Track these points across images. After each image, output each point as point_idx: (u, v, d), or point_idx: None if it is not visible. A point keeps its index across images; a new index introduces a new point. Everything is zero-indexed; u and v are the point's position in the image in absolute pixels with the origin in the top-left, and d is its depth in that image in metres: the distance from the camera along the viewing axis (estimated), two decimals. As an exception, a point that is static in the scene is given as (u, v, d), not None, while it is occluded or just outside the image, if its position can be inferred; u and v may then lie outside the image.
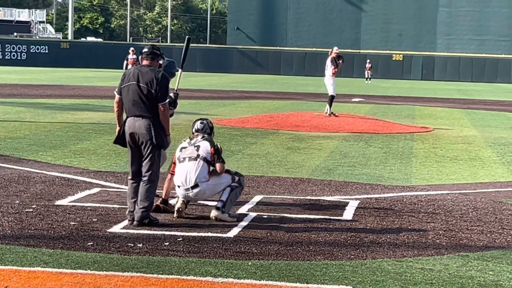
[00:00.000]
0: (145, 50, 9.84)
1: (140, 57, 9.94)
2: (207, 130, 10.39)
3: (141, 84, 9.54)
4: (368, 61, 71.25)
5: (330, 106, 26.69)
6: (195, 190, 9.86)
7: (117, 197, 11.31)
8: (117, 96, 9.80)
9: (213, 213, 9.91)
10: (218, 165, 10.05)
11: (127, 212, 9.75)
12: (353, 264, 8.01)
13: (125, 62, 45.29)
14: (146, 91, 9.50)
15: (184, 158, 10.01)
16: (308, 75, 77.42)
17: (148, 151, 9.55)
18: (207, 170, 10.01)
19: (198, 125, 10.43)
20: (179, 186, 9.95)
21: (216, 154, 10.06)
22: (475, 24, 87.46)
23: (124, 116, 9.82)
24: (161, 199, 10.50)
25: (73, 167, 14.16)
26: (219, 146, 10.20)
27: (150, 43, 10.00)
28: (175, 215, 10.09)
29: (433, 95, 48.72)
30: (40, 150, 16.42)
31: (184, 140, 10.33)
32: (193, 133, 10.39)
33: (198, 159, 9.97)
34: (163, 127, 9.58)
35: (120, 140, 9.82)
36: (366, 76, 69.42)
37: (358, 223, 10.09)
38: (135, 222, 9.45)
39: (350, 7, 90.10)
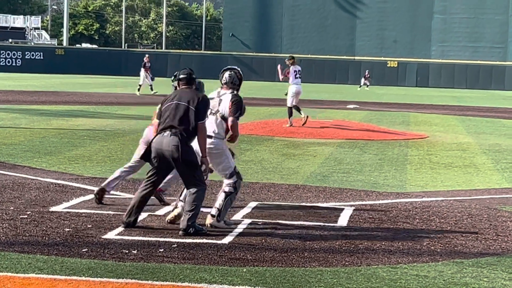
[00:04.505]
0: (183, 76, 9.84)
1: (176, 82, 9.90)
2: (236, 82, 10.21)
3: (181, 103, 9.57)
4: (367, 71, 71.43)
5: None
6: (209, 140, 9.78)
7: (111, 204, 11.30)
8: (156, 121, 9.87)
9: (208, 220, 9.89)
10: (230, 119, 9.90)
11: (124, 216, 9.70)
12: (347, 270, 8.02)
13: (142, 70, 44.12)
14: (185, 108, 9.51)
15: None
16: (303, 82, 77.29)
17: (181, 170, 9.48)
18: (223, 128, 9.97)
19: (226, 77, 10.22)
20: None
21: (233, 107, 9.91)
22: (470, 31, 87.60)
23: None
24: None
25: (67, 174, 14.15)
26: (241, 101, 10.01)
27: (186, 68, 9.80)
28: (167, 218, 10.09)
29: (427, 101, 48.77)
30: (35, 156, 16.40)
31: (216, 90, 10.27)
32: (222, 84, 10.24)
33: (217, 115, 9.98)
34: (191, 147, 9.54)
35: (147, 156, 9.73)
36: (361, 84, 69.14)
37: (353, 230, 10.09)
38: (180, 232, 9.40)
39: (345, 14, 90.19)
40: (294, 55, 27.67)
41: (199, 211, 9.52)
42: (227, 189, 10.00)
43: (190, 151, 9.49)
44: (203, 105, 9.59)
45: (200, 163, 9.60)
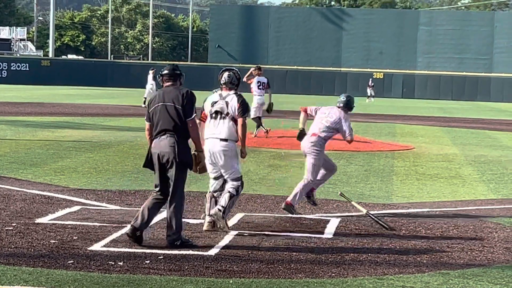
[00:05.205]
0: (166, 72, 9.69)
1: (161, 78, 9.72)
2: (235, 82, 10.50)
3: (167, 103, 9.47)
4: (370, 79, 71.68)
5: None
6: (224, 143, 10.11)
7: (97, 215, 11.27)
8: (147, 124, 9.69)
9: (215, 210, 10.09)
10: (240, 120, 10.24)
11: (132, 223, 9.52)
12: (334, 282, 8.01)
13: (150, 83, 43.73)
14: (172, 109, 9.42)
15: (216, 114, 10.25)
16: (289, 93, 77.52)
17: (174, 172, 9.37)
18: (235, 130, 10.23)
19: (225, 77, 10.47)
20: (207, 138, 10.22)
21: (242, 108, 10.24)
22: (455, 43, 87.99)
23: None
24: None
25: (53, 185, 14.10)
26: (246, 101, 10.36)
27: (170, 63, 9.91)
28: (204, 228, 10.25)
29: (413, 113, 48.89)
30: (21, 168, 16.34)
31: (216, 91, 10.46)
32: (221, 85, 10.46)
33: (227, 118, 10.23)
34: (188, 146, 9.52)
35: (149, 163, 9.62)
36: (368, 95, 68.58)
37: (339, 241, 10.10)
38: (166, 244, 9.40)
39: (331, 25, 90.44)
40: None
41: (181, 222, 9.50)
42: (231, 190, 10.24)
43: (187, 152, 9.48)
44: (188, 101, 9.48)
45: (198, 159, 9.67)
